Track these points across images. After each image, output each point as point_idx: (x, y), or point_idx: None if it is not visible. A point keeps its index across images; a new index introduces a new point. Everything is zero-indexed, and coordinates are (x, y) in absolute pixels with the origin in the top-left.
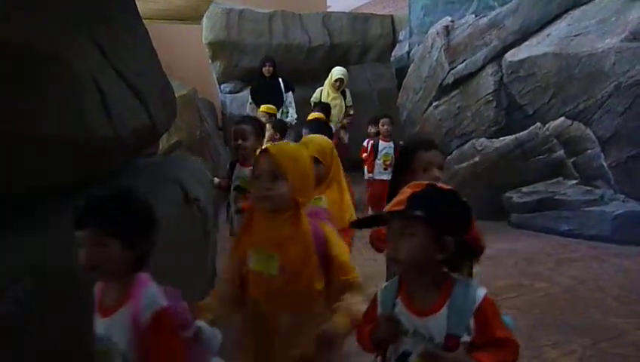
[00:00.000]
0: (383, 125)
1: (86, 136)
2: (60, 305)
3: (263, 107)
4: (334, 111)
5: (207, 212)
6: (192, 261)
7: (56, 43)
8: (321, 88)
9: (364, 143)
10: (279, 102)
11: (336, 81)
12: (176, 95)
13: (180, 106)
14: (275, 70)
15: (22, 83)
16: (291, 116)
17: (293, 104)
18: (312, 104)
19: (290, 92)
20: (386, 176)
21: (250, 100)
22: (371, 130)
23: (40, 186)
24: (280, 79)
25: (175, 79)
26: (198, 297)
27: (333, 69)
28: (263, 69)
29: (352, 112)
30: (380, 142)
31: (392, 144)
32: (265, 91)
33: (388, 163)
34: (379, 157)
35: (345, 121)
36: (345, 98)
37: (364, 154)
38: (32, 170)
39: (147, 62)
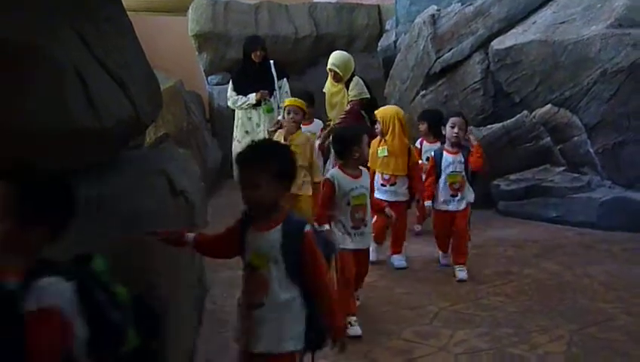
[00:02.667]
0: (452, 127)
1: (69, 127)
2: None
3: (289, 100)
4: (333, 113)
5: (194, 204)
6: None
7: (38, 35)
8: None
9: (417, 143)
10: (270, 90)
11: (329, 70)
12: (163, 87)
13: (166, 98)
14: (266, 54)
15: (2, 75)
16: None
17: (290, 94)
18: None
19: (285, 79)
20: (454, 206)
21: (231, 90)
22: (421, 127)
23: None
24: (272, 62)
25: (161, 71)
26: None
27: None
28: (253, 55)
29: (348, 107)
30: (445, 154)
31: (461, 157)
32: (251, 77)
33: (457, 187)
34: (442, 176)
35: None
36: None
37: (421, 162)
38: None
39: (131, 54)
